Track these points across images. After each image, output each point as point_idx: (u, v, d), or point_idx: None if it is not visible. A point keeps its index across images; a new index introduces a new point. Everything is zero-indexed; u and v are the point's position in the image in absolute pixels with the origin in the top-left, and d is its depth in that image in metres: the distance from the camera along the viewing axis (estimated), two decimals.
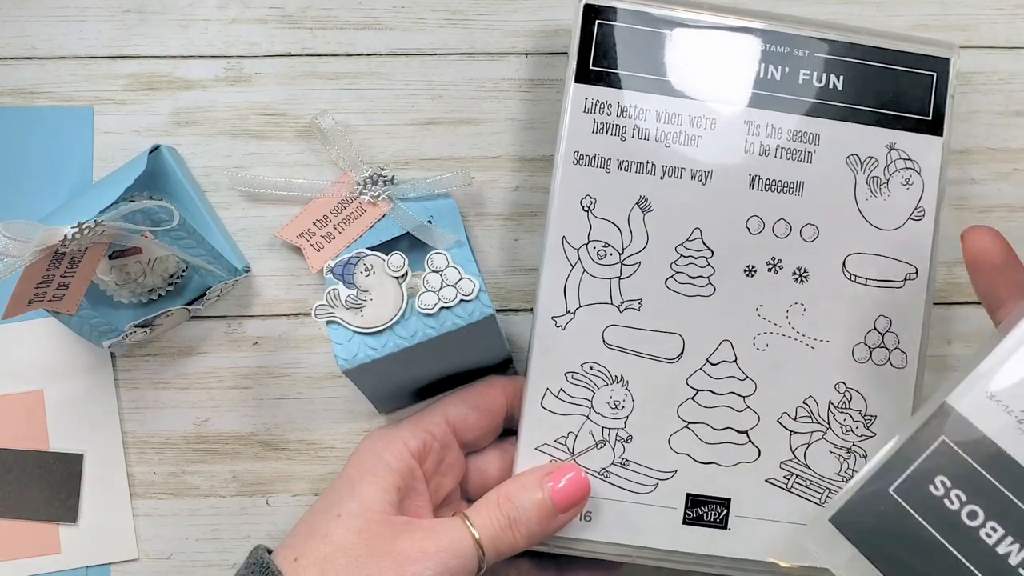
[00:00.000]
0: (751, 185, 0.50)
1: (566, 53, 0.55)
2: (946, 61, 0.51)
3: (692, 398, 0.50)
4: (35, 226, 0.44)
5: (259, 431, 0.55)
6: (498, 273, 0.56)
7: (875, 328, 0.51)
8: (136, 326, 0.52)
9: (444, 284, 0.47)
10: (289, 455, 0.55)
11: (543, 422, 0.50)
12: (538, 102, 0.56)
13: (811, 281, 0.50)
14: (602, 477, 0.50)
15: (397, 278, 0.48)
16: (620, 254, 0.50)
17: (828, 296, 0.50)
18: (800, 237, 0.50)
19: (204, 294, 0.54)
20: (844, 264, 0.50)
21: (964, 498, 0.39)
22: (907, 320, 0.50)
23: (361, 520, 0.46)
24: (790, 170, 0.50)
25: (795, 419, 0.50)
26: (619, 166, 0.50)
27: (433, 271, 0.47)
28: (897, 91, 0.51)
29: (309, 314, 0.55)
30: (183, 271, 0.54)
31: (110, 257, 0.53)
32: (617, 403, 0.50)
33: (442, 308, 0.47)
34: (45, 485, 0.54)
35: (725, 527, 0.50)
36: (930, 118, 0.51)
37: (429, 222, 0.53)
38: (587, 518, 0.50)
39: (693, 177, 0.50)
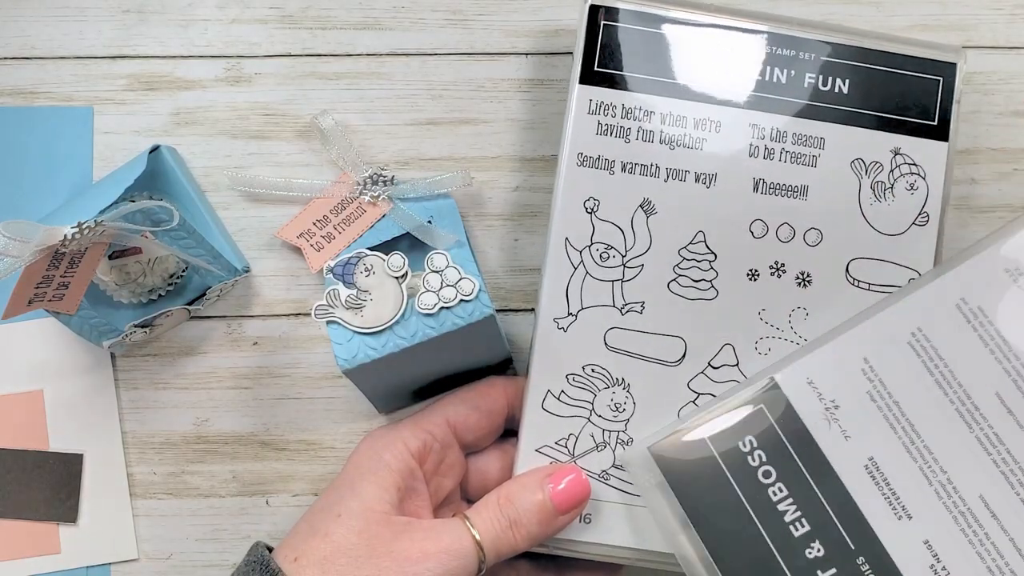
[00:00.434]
0: (755, 188, 0.50)
1: (567, 53, 0.55)
2: (952, 66, 0.50)
3: (693, 402, 0.50)
4: (35, 226, 0.44)
5: (259, 431, 0.55)
6: (498, 273, 0.56)
7: None
8: (136, 326, 0.52)
9: (444, 284, 0.47)
10: (289, 455, 0.55)
11: (544, 424, 0.50)
12: (538, 102, 0.56)
13: (814, 285, 0.50)
14: (602, 479, 0.50)
15: (397, 278, 0.48)
16: (623, 256, 0.50)
17: (831, 301, 0.50)
18: (804, 241, 0.50)
19: (204, 294, 0.54)
20: (847, 269, 0.50)
21: (763, 459, 0.47)
22: None
23: (361, 520, 0.46)
24: (794, 174, 0.50)
25: None
26: (623, 168, 0.50)
27: (433, 271, 0.47)
28: (902, 95, 0.50)
29: (309, 314, 0.55)
30: (183, 271, 0.54)
31: (110, 257, 0.53)
32: (618, 405, 0.50)
33: (442, 308, 0.47)
34: (45, 485, 0.54)
35: None
36: (935, 123, 0.50)
37: (429, 222, 0.53)
38: (587, 520, 0.50)
39: (697, 180, 0.50)
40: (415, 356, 0.48)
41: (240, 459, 0.55)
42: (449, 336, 0.47)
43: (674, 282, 0.50)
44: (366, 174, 0.54)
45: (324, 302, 0.47)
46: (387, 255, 0.48)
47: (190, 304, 0.54)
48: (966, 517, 0.45)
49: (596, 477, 0.50)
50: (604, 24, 0.50)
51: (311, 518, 0.47)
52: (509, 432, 0.53)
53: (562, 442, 0.50)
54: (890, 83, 0.50)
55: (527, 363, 0.50)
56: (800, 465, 0.47)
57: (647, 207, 0.50)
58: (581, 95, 0.50)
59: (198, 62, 0.57)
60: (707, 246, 0.50)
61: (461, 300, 0.47)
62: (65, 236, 0.45)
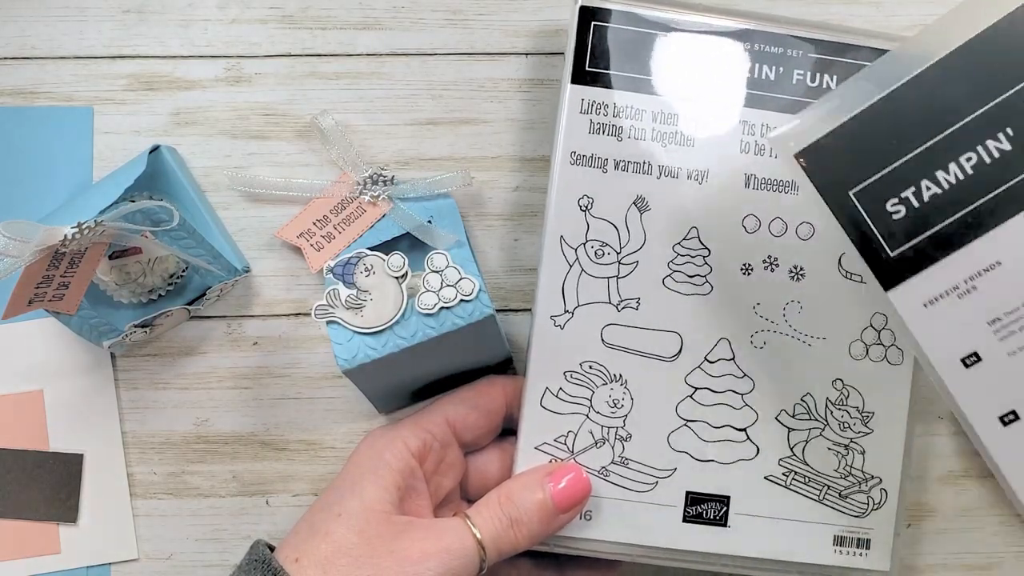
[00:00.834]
0: (747, 184, 0.51)
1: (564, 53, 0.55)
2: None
3: (690, 396, 0.50)
4: (35, 226, 0.44)
5: (259, 431, 0.55)
6: (498, 273, 0.56)
7: (871, 325, 0.51)
8: (136, 326, 0.52)
9: (444, 284, 0.47)
10: (289, 455, 0.55)
11: (543, 421, 0.50)
12: (538, 102, 0.56)
13: (807, 279, 0.51)
14: (602, 476, 0.50)
15: (397, 278, 0.48)
16: (618, 253, 0.50)
17: (824, 293, 0.51)
18: (796, 235, 0.51)
19: (204, 294, 0.54)
20: (840, 261, 0.51)
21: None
22: None
23: (362, 520, 0.46)
24: (785, 169, 0.50)
25: (793, 416, 0.51)
26: (616, 166, 0.50)
27: (433, 271, 0.47)
28: None
29: (309, 314, 0.55)
30: (183, 271, 0.54)
31: (110, 257, 0.53)
32: (616, 402, 0.50)
33: (442, 308, 0.47)
34: (45, 485, 0.54)
35: (725, 525, 0.50)
36: None
37: (429, 222, 0.53)
38: (587, 517, 0.50)
39: (689, 176, 0.51)
40: (415, 356, 0.48)
41: (240, 459, 0.55)
42: (449, 336, 0.47)
43: (669, 278, 0.50)
44: (366, 174, 0.54)
45: (324, 302, 0.47)
46: (387, 255, 0.48)
47: (190, 304, 0.54)
48: None
49: (595, 474, 0.50)
50: (595, 24, 0.51)
51: (311, 518, 0.47)
52: (508, 431, 0.53)
53: (561, 439, 0.50)
54: None
55: (525, 361, 0.50)
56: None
57: (640, 204, 0.50)
58: (573, 95, 0.51)
59: (198, 62, 0.57)
60: (701, 242, 0.50)
61: (461, 300, 0.47)
62: (65, 236, 0.45)
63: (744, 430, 0.50)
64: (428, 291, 0.47)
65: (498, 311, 0.54)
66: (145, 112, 0.56)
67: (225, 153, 0.56)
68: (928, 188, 0.43)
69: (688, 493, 0.50)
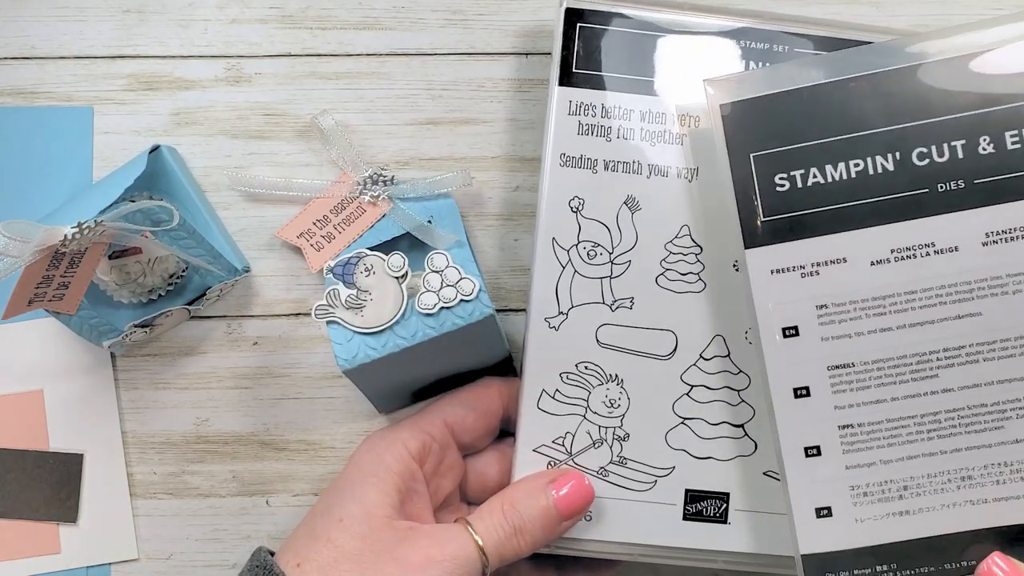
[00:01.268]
0: None
1: None
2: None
3: (687, 394, 0.50)
4: (35, 226, 0.44)
5: (259, 431, 0.55)
6: (498, 273, 0.56)
7: None
8: (136, 326, 0.52)
9: (444, 284, 0.47)
10: (289, 455, 0.55)
11: (540, 423, 0.50)
12: (538, 102, 0.56)
13: None
14: (601, 476, 0.50)
15: (397, 278, 0.48)
16: (610, 253, 0.50)
17: None
18: None
19: (204, 294, 0.54)
20: None
21: None
22: None
23: (364, 525, 0.46)
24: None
25: None
26: (606, 166, 0.51)
27: (433, 271, 0.47)
28: None
29: (309, 314, 0.55)
30: (183, 271, 0.54)
31: (110, 257, 0.53)
32: (613, 402, 0.50)
33: (442, 308, 0.47)
34: (45, 485, 0.54)
35: (725, 521, 0.50)
36: None
37: (429, 222, 0.53)
38: (588, 518, 0.50)
39: (679, 175, 0.51)
40: (415, 356, 0.48)
41: (240, 459, 0.55)
42: (449, 336, 0.47)
43: (662, 276, 0.50)
44: (366, 174, 0.54)
45: (324, 302, 0.47)
46: (387, 255, 0.48)
47: (190, 304, 0.54)
48: None
49: (594, 474, 0.50)
50: (580, 26, 0.51)
51: (312, 522, 0.47)
52: (506, 433, 0.53)
53: (559, 440, 0.50)
54: None
55: (520, 363, 0.50)
56: None
57: (631, 204, 0.50)
58: (561, 96, 0.51)
59: (198, 62, 0.57)
60: (692, 239, 0.50)
61: (461, 300, 0.47)
62: (65, 236, 0.45)
63: (741, 426, 0.50)
64: (428, 291, 0.47)
65: (498, 311, 0.54)
66: (145, 112, 0.56)
67: (225, 153, 0.56)
68: (815, 176, 0.47)
69: (687, 491, 0.50)
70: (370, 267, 0.48)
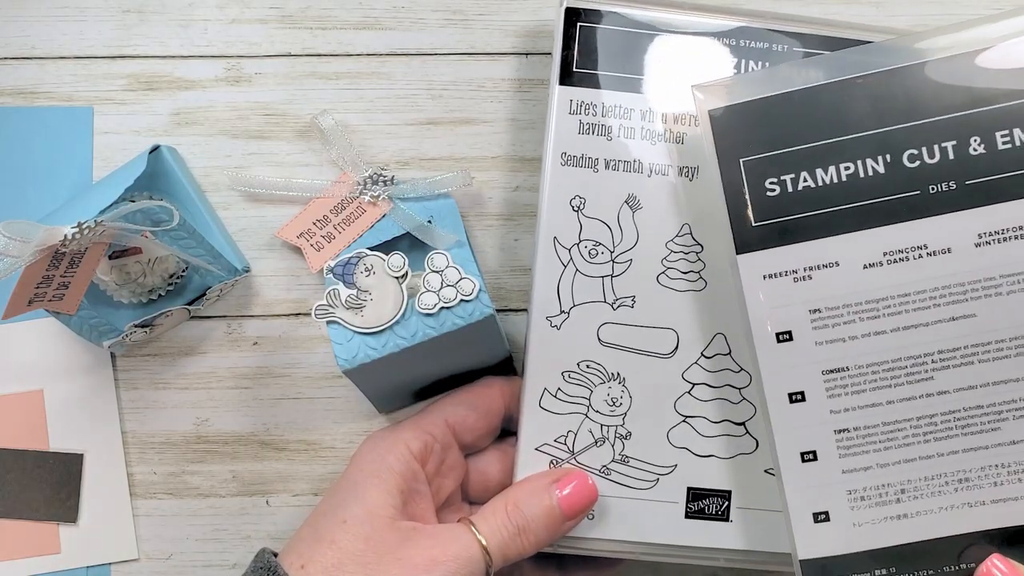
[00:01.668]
0: None
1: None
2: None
3: (688, 392, 0.50)
4: (35, 226, 0.44)
5: (259, 431, 0.55)
6: (498, 273, 0.56)
7: None
8: (136, 326, 0.52)
9: (444, 284, 0.47)
10: (289, 455, 0.55)
11: (542, 422, 0.50)
12: (538, 102, 0.56)
13: None
14: (603, 475, 0.50)
15: (397, 278, 0.48)
16: (611, 252, 0.50)
17: None
18: None
19: (204, 294, 0.54)
20: None
21: None
22: None
23: (368, 526, 0.46)
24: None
25: None
26: (606, 165, 0.51)
27: (433, 271, 0.47)
28: None
29: (309, 314, 0.55)
30: (183, 271, 0.54)
31: (110, 257, 0.53)
32: (615, 400, 0.50)
33: (442, 308, 0.47)
34: (45, 485, 0.54)
35: (727, 519, 0.50)
36: None
37: (429, 222, 0.53)
38: (590, 516, 0.50)
39: (680, 173, 0.51)
40: (415, 356, 0.48)
41: (240, 459, 0.55)
42: (449, 336, 0.47)
43: (663, 275, 0.50)
44: (366, 174, 0.54)
45: (324, 302, 0.47)
46: (387, 255, 0.48)
47: (190, 304, 0.54)
48: None
49: (597, 473, 0.50)
50: (580, 25, 0.51)
51: (315, 523, 0.47)
52: (507, 433, 0.53)
53: (561, 439, 0.50)
54: None
55: (522, 363, 0.50)
56: None
57: (632, 202, 0.51)
58: (561, 96, 0.51)
59: (198, 62, 0.57)
60: (693, 238, 0.51)
61: (461, 300, 0.47)
62: (65, 236, 0.45)
63: (743, 424, 0.50)
64: (428, 291, 0.47)
65: (498, 311, 0.54)
66: (145, 112, 0.56)
67: (225, 153, 0.56)
68: (805, 180, 0.47)
69: (690, 489, 0.50)
70: (370, 267, 0.48)
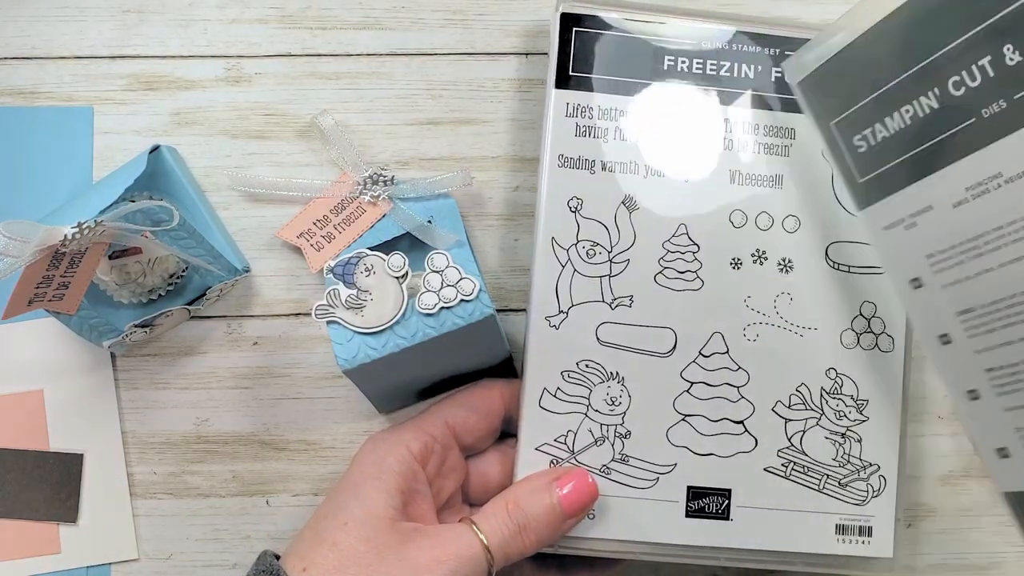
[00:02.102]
0: (732, 180, 0.51)
1: None
2: None
3: (687, 391, 0.50)
4: (35, 226, 0.44)
5: (259, 431, 0.55)
6: (498, 273, 0.56)
7: (861, 314, 0.52)
8: (136, 326, 0.52)
9: (444, 284, 0.47)
10: (289, 455, 0.55)
11: (542, 422, 0.50)
12: (538, 102, 0.56)
13: (796, 271, 0.51)
14: (603, 474, 0.50)
15: (397, 278, 0.48)
16: (609, 252, 0.51)
17: (813, 284, 0.51)
18: (783, 228, 0.52)
19: (204, 294, 0.54)
20: (827, 252, 0.52)
21: None
22: (891, 305, 0.52)
23: (368, 528, 0.46)
24: (769, 164, 0.52)
25: (789, 407, 0.51)
26: (603, 167, 0.51)
27: (433, 271, 0.47)
28: None
29: (309, 314, 0.55)
30: (183, 271, 0.54)
31: (110, 257, 0.53)
32: (614, 399, 0.50)
33: (442, 308, 0.47)
34: (45, 485, 0.54)
35: (727, 518, 0.50)
36: None
37: (429, 222, 0.53)
38: (591, 516, 0.50)
39: (676, 175, 0.51)
40: (415, 356, 0.48)
41: (240, 459, 0.55)
42: (449, 336, 0.47)
43: (660, 274, 0.51)
44: (366, 174, 0.54)
45: (324, 302, 0.47)
46: (387, 255, 0.48)
47: (190, 304, 0.54)
48: None
49: (597, 472, 0.50)
50: (576, 31, 0.52)
51: (317, 525, 0.47)
52: (507, 434, 0.53)
53: (561, 439, 0.50)
54: None
55: (522, 363, 0.51)
56: None
57: (629, 203, 0.51)
58: (558, 99, 0.51)
59: (198, 62, 0.57)
60: (690, 238, 0.51)
61: (461, 300, 0.47)
62: (65, 236, 0.45)
63: (742, 422, 0.51)
64: (428, 291, 0.47)
65: (498, 311, 0.54)
66: (145, 112, 0.56)
67: (225, 153, 0.56)
68: (880, 131, 0.47)
69: (689, 488, 0.50)
70: (370, 267, 0.48)
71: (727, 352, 0.51)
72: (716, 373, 0.51)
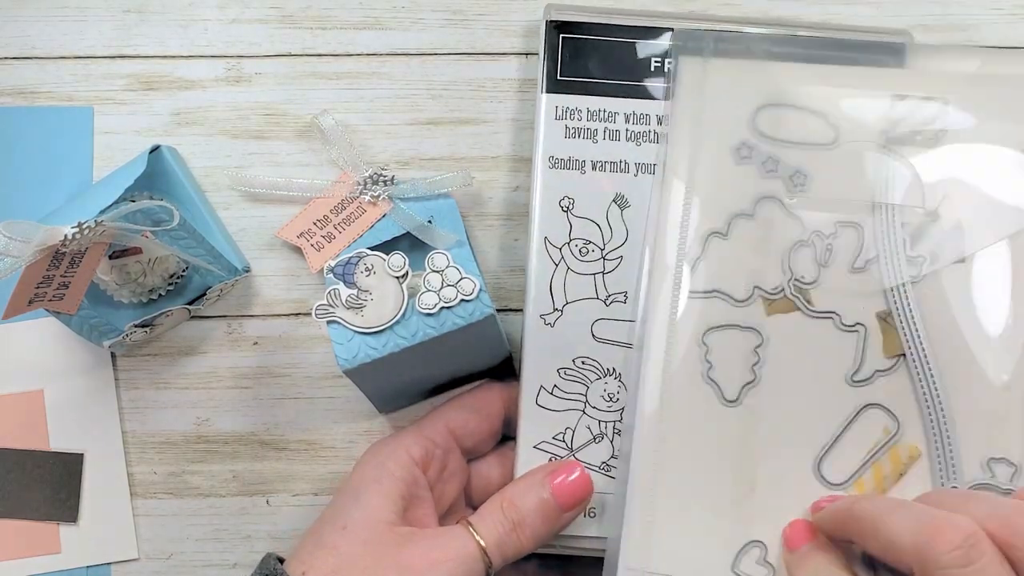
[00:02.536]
0: None
1: None
2: (902, 46, 0.51)
3: None
4: (35, 226, 0.44)
5: (259, 431, 0.55)
6: (498, 273, 0.56)
7: None
8: (136, 326, 0.52)
9: (445, 284, 0.47)
10: (289, 455, 0.55)
11: (540, 420, 0.50)
12: (538, 88, 0.56)
13: None
14: (603, 471, 0.50)
15: (398, 278, 0.48)
16: (602, 250, 0.51)
17: None
18: None
19: (204, 294, 0.54)
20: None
21: None
22: None
23: (367, 531, 0.46)
24: None
25: None
26: (594, 167, 0.52)
27: (434, 271, 0.47)
28: None
29: (309, 314, 0.55)
30: (183, 271, 0.54)
31: (110, 257, 0.53)
32: (611, 395, 0.50)
33: (443, 308, 0.47)
34: (45, 485, 0.54)
35: None
36: None
37: (429, 222, 0.53)
38: (591, 514, 0.50)
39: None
40: (415, 356, 0.48)
41: (240, 459, 0.55)
42: (450, 336, 0.47)
43: None
44: (366, 174, 0.54)
45: (324, 302, 0.47)
46: (387, 255, 0.48)
47: (190, 304, 0.54)
48: None
49: (597, 469, 0.50)
50: (563, 37, 0.52)
51: (318, 530, 0.47)
52: (508, 437, 0.53)
53: (559, 436, 0.50)
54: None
55: (519, 362, 0.51)
56: None
57: (620, 201, 0.51)
58: (548, 103, 0.52)
59: (198, 62, 0.57)
60: None
61: (462, 300, 0.47)
62: (65, 236, 0.45)
63: None
64: (429, 291, 0.47)
65: (498, 311, 0.54)
66: (145, 112, 0.56)
67: (225, 153, 0.56)
68: None
69: None
70: (370, 267, 0.48)
71: None
72: None
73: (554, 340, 0.51)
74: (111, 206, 0.49)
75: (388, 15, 0.57)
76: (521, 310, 0.55)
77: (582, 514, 0.49)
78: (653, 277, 0.49)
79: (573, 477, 0.48)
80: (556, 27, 0.52)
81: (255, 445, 0.55)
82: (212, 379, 0.56)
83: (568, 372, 0.51)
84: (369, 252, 0.48)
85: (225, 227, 0.56)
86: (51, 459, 0.55)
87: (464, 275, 0.47)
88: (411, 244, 0.53)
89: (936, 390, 0.47)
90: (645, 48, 0.52)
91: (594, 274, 0.51)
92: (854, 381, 0.48)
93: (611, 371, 0.51)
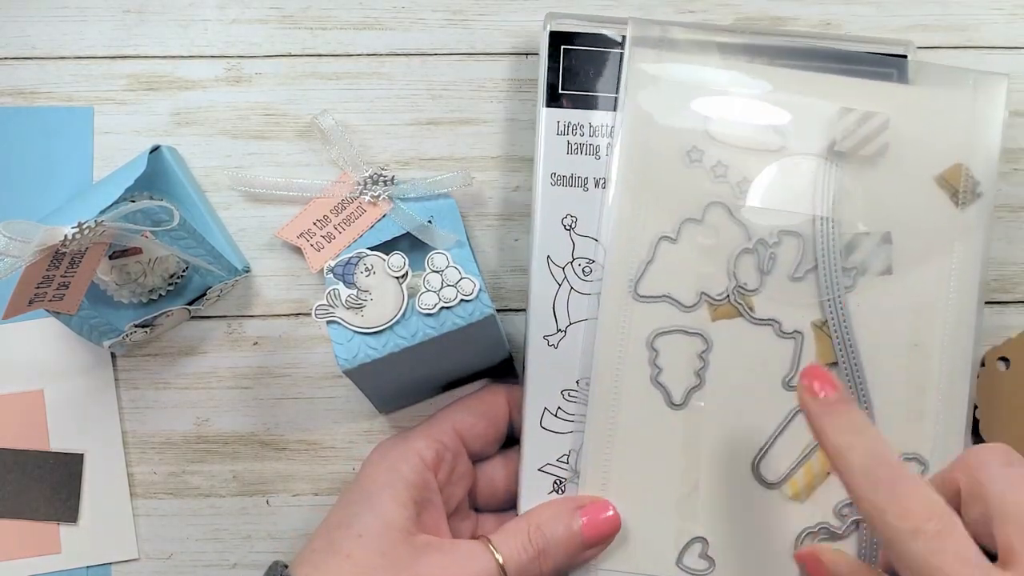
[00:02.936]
0: None
1: None
2: (903, 58, 0.51)
3: None
4: (35, 226, 0.44)
5: (259, 431, 0.55)
6: (498, 273, 0.56)
7: None
8: (136, 326, 0.52)
9: (444, 284, 0.47)
10: (289, 455, 0.55)
11: (544, 442, 0.50)
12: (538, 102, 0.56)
13: None
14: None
15: (397, 278, 0.48)
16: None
17: None
18: None
19: (204, 294, 0.54)
20: None
21: None
22: None
23: (384, 540, 0.45)
24: None
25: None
26: (596, 184, 0.51)
27: (433, 271, 0.47)
28: None
29: (309, 314, 0.55)
30: (183, 271, 0.54)
31: (110, 257, 0.53)
32: None
33: (442, 308, 0.47)
34: (45, 485, 0.54)
35: None
36: None
37: (429, 222, 0.53)
38: None
39: None
40: (415, 356, 0.48)
41: (240, 459, 0.55)
42: (449, 336, 0.47)
43: None
44: (366, 174, 0.54)
45: (324, 302, 0.47)
46: (387, 255, 0.48)
47: (190, 304, 0.54)
48: None
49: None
50: (564, 48, 0.51)
51: (329, 534, 0.47)
52: (510, 439, 0.52)
53: (563, 459, 0.50)
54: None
55: (522, 382, 0.50)
56: None
57: None
58: (549, 118, 0.51)
59: (198, 62, 0.57)
60: None
61: (461, 300, 0.47)
62: (65, 236, 0.45)
63: None
64: (428, 291, 0.47)
65: (498, 311, 0.54)
66: (145, 112, 0.56)
67: (225, 153, 0.56)
68: None
69: None
70: (370, 267, 0.48)
71: None
72: None
73: (557, 362, 0.50)
74: (111, 206, 0.49)
75: (388, 15, 0.57)
76: (521, 310, 0.55)
77: None
78: (605, 281, 0.49)
79: (604, 516, 0.48)
80: (557, 37, 0.51)
81: (255, 445, 0.55)
82: (212, 379, 0.56)
83: (572, 394, 0.50)
84: (369, 252, 0.48)
85: (225, 227, 0.56)
86: (51, 459, 0.55)
87: (464, 275, 0.47)
88: (411, 244, 0.53)
89: (864, 395, 0.49)
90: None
91: (597, 294, 0.50)
92: (789, 386, 0.49)
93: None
